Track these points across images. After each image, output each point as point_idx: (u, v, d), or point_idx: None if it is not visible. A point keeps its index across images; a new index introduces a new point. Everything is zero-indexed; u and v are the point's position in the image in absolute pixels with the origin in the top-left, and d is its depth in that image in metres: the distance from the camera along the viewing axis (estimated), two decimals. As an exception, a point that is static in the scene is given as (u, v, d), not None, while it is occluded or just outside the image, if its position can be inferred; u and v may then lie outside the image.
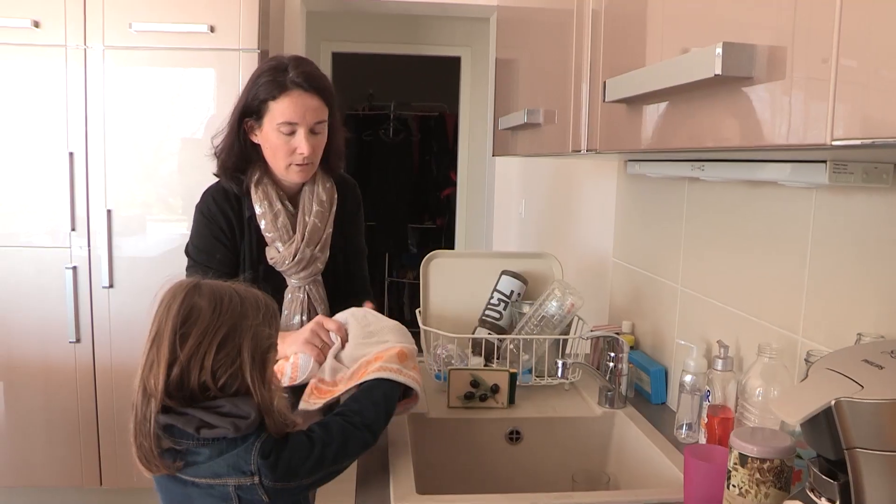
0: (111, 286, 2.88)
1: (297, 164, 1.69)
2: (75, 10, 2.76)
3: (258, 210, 1.74)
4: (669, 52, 0.87)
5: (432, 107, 5.96)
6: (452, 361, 1.77)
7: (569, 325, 1.84)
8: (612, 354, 1.69)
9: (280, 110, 1.65)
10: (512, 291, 1.92)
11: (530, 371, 1.80)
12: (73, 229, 2.84)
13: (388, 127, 5.97)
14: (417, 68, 5.80)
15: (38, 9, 2.76)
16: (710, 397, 1.43)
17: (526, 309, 1.86)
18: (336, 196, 1.83)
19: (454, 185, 5.35)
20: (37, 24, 2.76)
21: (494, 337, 1.81)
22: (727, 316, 1.53)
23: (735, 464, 0.99)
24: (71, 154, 2.81)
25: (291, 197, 1.79)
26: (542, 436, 1.67)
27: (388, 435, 1.49)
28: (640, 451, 1.56)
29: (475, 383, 1.66)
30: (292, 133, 1.66)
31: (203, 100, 2.85)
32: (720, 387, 1.42)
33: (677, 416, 1.56)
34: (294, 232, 1.76)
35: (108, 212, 2.85)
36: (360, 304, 1.71)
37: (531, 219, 3.24)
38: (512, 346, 1.78)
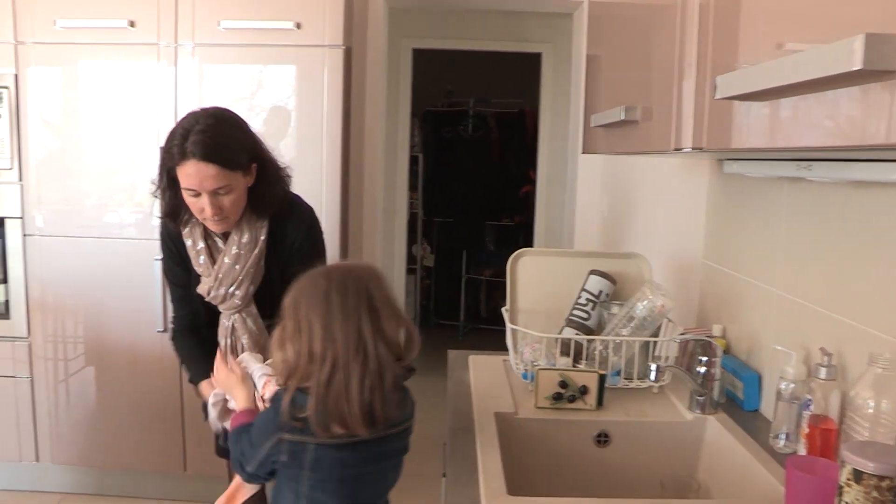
0: (198, 278, 2.95)
1: (209, 220, 1.81)
2: (168, 10, 2.84)
3: (187, 243, 1.93)
4: (787, 45, 0.84)
5: (512, 103, 5.93)
6: (539, 361, 1.75)
7: (658, 327, 1.80)
8: (705, 358, 1.64)
9: (182, 176, 1.76)
10: (600, 291, 1.88)
11: (619, 373, 1.77)
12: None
13: (468, 123, 5.96)
14: (497, 64, 5.77)
15: (134, 10, 2.85)
16: (810, 406, 1.37)
17: (615, 309, 1.82)
18: (264, 237, 1.91)
19: (533, 182, 5.30)
20: (132, 24, 2.85)
21: (585, 337, 1.78)
22: (829, 322, 1.47)
23: (848, 479, 0.94)
24: (161, 149, 2.88)
25: (225, 234, 1.93)
26: (630, 439, 1.63)
27: (476, 433, 1.48)
28: (734, 459, 1.51)
29: (564, 384, 1.64)
30: (198, 196, 1.77)
31: (287, 95, 2.89)
32: (822, 396, 1.36)
33: (773, 425, 1.51)
34: (213, 269, 1.91)
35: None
36: None
37: (615, 218, 3.19)
38: (601, 348, 1.75)
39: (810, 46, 0.74)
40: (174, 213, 1.89)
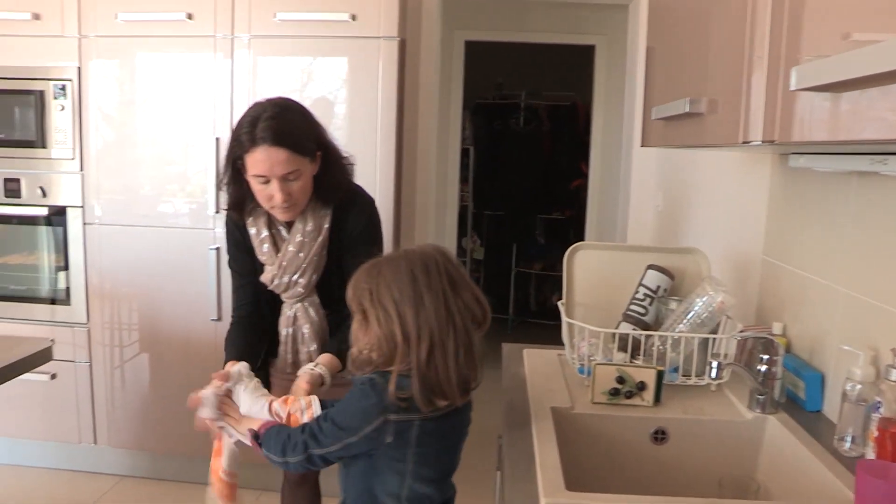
0: (251, 268, 2.99)
1: (277, 208, 1.83)
2: (225, 3, 2.88)
3: (251, 232, 1.96)
4: (860, 35, 0.81)
5: (563, 96, 5.88)
6: (595, 356, 1.74)
7: (717, 324, 1.77)
8: (766, 357, 1.61)
9: (252, 163, 1.78)
10: (658, 287, 1.86)
11: (676, 370, 1.74)
12: (216, 212, 2.96)
13: (519, 116, 5.93)
14: (548, 57, 5.73)
15: (192, 3, 2.90)
16: (880, 409, 1.33)
17: (673, 305, 1.80)
18: (327, 225, 1.94)
19: (584, 175, 5.25)
20: (190, 17, 2.90)
21: (643, 333, 1.76)
22: (900, 322, 1.42)
23: (926, 484, 0.91)
24: (217, 139, 2.92)
25: (289, 223, 1.95)
26: (688, 437, 1.61)
27: (533, 427, 1.47)
28: (796, 461, 1.47)
29: (621, 379, 1.62)
30: (267, 182, 1.79)
31: (339, 87, 2.91)
32: (893, 398, 1.32)
33: (838, 427, 1.47)
34: (276, 258, 1.94)
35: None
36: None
37: (670, 212, 3.14)
38: (659, 343, 1.73)
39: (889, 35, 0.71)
40: (239, 204, 1.92)
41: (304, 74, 2.92)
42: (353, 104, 2.90)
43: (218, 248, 2.96)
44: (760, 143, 1.10)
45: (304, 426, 1.45)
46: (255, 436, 1.52)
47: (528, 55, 5.72)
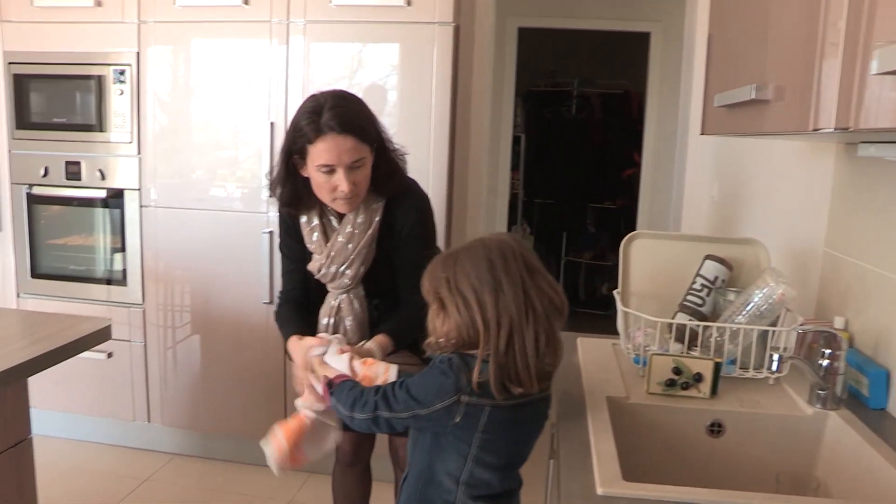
0: (302, 251, 3.01)
1: (341, 199, 1.83)
2: (281, -13, 2.89)
3: (302, 220, 1.97)
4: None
5: (616, 84, 5.81)
6: (651, 346, 1.71)
7: (776, 317, 1.73)
8: (828, 351, 1.57)
9: (317, 153, 1.77)
10: (716, 277, 1.82)
11: (733, 362, 1.71)
12: (270, 196, 2.97)
13: (571, 104, 5.88)
14: (600, 44, 5.66)
15: (249, -13, 2.92)
16: (949, 406, 1.29)
17: (731, 296, 1.76)
18: (378, 217, 1.94)
19: (637, 165, 5.19)
20: (246, 2, 2.92)
21: (701, 323, 1.73)
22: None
23: None
24: (272, 124, 2.95)
25: (340, 214, 1.94)
26: (745, 431, 1.58)
27: (588, 416, 1.46)
28: (860, 459, 1.43)
29: (677, 370, 1.59)
30: (332, 172, 1.78)
31: (390, 74, 2.90)
32: (964, 396, 1.28)
33: (905, 425, 1.43)
34: (325, 247, 1.94)
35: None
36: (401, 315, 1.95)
37: (725, 202, 3.08)
38: (717, 335, 1.69)
39: None
40: (295, 201, 1.93)
41: (356, 61, 2.92)
42: (405, 91, 2.89)
43: (271, 232, 2.98)
44: (833, 130, 1.06)
45: (378, 387, 1.47)
46: (329, 384, 1.55)
47: (580, 42, 5.65)
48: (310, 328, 1.97)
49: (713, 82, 1.82)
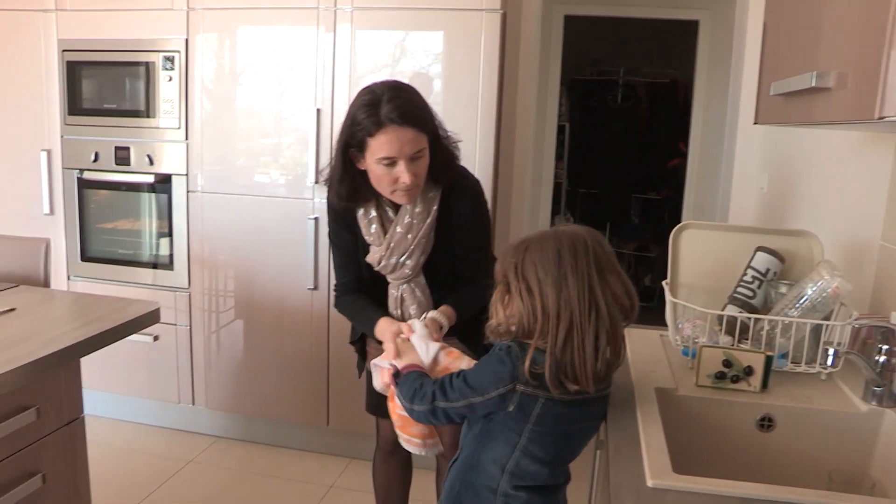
0: (348, 237, 3.02)
1: (401, 190, 1.82)
2: (329, -27, 2.89)
3: (358, 213, 1.95)
4: None
5: (663, 73, 5.73)
6: (700, 339, 1.69)
7: (830, 311, 1.69)
8: (885, 347, 1.53)
9: (378, 146, 1.75)
10: (768, 269, 1.79)
11: (784, 356, 1.67)
12: (316, 182, 3.00)
13: (616, 93, 5.82)
14: (648, 33, 5.58)
15: (297, -26, 2.93)
16: None
17: (784, 289, 1.72)
18: (436, 206, 1.92)
19: (682, 155, 5.12)
20: (295, -12, 2.92)
21: (752, 316, 1.69)
22: None
23: None
24: (318, 111, 2.96)
25: (396, 205, 1.92)
26: (796, 426, 1.55)
27: (637, 408, 1.44)
28: (917, 457, 1.40)
29: (727, 363, 1.56)
30: (393, 164, 1.77)
31: (434, 61, 2.89)
32: None
33: (965, 424, 1.39)
34: (384, 239, 1.93)
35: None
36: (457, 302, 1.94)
37: (775, 193, 3.02)
38: (768, 328, 1.66)
39: None
40: (354, 196, 1.91)
41: (399, 49, 2.90)
42: (450, 79, 2.87)
43: (316, 218, 3.00)
44: (899, 118, 1.03)
45: (437, 379, 1.48)
46: (396, 373, 1.57)
47: (625, 30, 5.58)
48: (387, 312, 1.99)
49: (768, 71, 1.78)
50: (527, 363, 1.31)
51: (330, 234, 2.09)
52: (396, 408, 1.72)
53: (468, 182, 2.00)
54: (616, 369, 1.38)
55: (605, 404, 1.44)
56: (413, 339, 1.72)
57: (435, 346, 1.68)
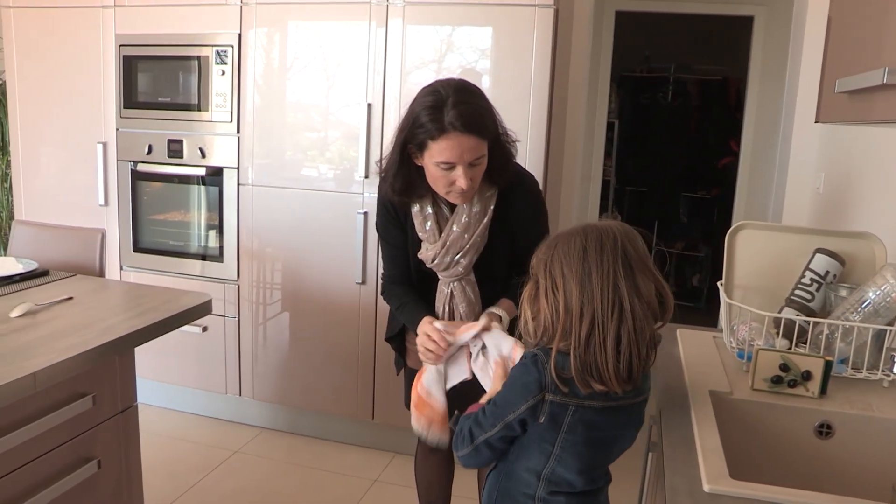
0: (397, 232, 3.02)
1: (456, 192, 1.81)
2: (382, -31, 2.89)
3: (413, 209, 1.93)
4: None
5: (714, 70, 5.63)
6: (755, 341, 1.65)
7: (894, 317, 1.64)
8: (952, 354, 1.48)
9: (439, 150, 1.73)
10: (827, 272, 1.74)
11: (844, 361, 1.63)
12: (366, 177, 3.00)
13: (667, 90, 5.74)
14: (700, 29, 5.50)
15: (350, -31, 2.93)
16: None
17: (844, 292, 1.68)
18: (492, 206, 1.91)
19: (734, 154, 5.03)
20: (348, -18, 2.93)
21: (811, 319, 1.65)
22: None
23: None
24: (369, 105, 2.96)
25: (452, 203, 1.91)
26: (856, 434, 1.50)
27: (692, 410, 1.42)
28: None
29: (785, 367, 1.53)
30: (451, 168, 1.75)
31: (488, 57, 2.86)
32: None
33: None
34: (439, 237, 1.91)
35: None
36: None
37: (832, 194, 2.95)
38: (827, 332, 1.62)
39: None
40: (408, 190, 1.90)
41: (449, 43, 2.89)
42: (501, 74, 2.85)
43: (366, 213, 3.01)
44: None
45: (470, 414, 1.45)
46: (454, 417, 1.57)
47: (676, 27, 5.50)
48: (431, 311, 1.99)
49: (832, 67, 1.74)
50: (551, 368, 1.28)
51: (378, 227, 2.09)
52: (418, 385, 1.78)
53: (525, 178, 1.98)
54: (643, 371, 1.32)
55: (640, 412, 1.40)
56: (490, 336, 1.75)
57: (510, 342, 1.71)
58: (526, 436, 1.38)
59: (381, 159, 1.94)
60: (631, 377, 1.28)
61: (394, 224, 2.01)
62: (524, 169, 2.02)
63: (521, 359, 1.37)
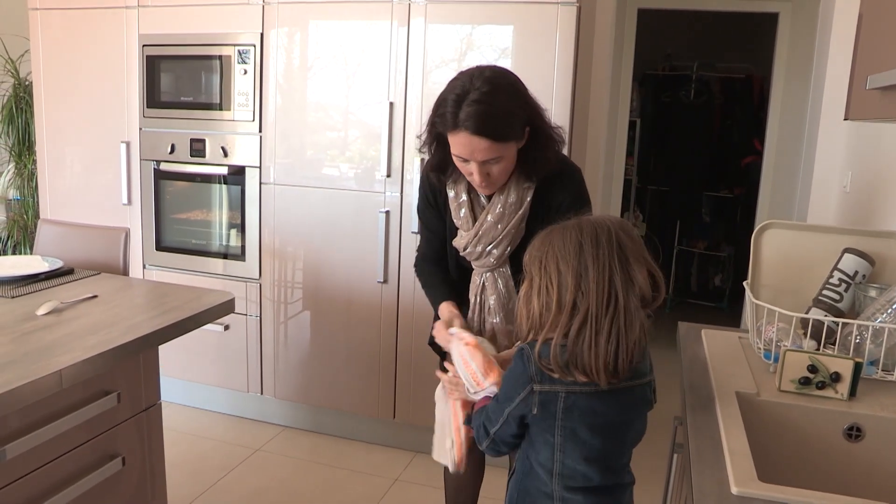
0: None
1: (475, 184, 1.81)
2: (404, -33, 2.89)
3: (450, 194, 1.93)
4: None
5: (738, 68, 5.57)
6: (782, 342, 1.63)
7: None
8: (985, 356, 1.45)
9: (453, 142, 1.73)
10: (856, 272, 1.71)
11: (874, 363, 1.60)
12: (388, 175, 3.00)
13: (690, 88, 5.68)
14: (723, 27, 5.45)
15: (371, -31, 2.92)
16: None
17: (874, 293, 1.65)
18: (529, 198, 1.87)
19: (757, 152, 4.97)
20: (370, -18, 2.93)
21: (840, 320, 1.63)
22: None
23: None
24: (391, 104, 2.96)
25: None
26: (887, 437, 1.48)
27: (718, 411, 1.40)
28: None
29: (813, 368, 1.51)
30: (466, 162, 1.75)
31: (510, 55, 2.85)
32: None
33: None
34: (473, 225, 1.90)
35: (422, 160, 2.96)
36: None
37: (859, 193, 2.91)
38: (856, 333, 1.60)
39: None
40: (442, 167, 1.89)
41: (469, 42, 2.88)
42: (522, 73, 2.69)
43: (388, 212, 3.01)
44: None
45: (482, 409, 1.46)
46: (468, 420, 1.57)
47: (700, 24, 5.45)
48: (456, 295, 1.98)
49: (863, 64, 1.71)
50: (535, 359, 1.29)
51: (418, 209, 2.10)
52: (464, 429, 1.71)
53: (569, 171, 1.93)
54: (633, 363, 1.29)
55: (644, 395, 1.38)
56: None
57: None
58: (530, 431, 1.38)
59: (420, 134, 1.91)
60: (617, 371, 1.27)
61: (430, 207, 2.02)
62: (570, 161, 1.98)
63: (515, 354, 1.37)
